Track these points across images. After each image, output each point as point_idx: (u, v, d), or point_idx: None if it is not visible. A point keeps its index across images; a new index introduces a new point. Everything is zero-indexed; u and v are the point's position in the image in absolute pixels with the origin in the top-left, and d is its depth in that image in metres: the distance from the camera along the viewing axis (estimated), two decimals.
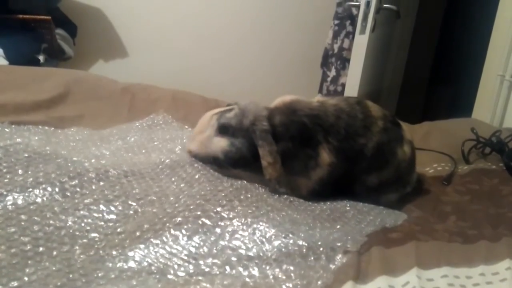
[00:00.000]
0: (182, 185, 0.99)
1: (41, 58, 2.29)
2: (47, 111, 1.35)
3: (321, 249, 0.84)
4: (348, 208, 1.05)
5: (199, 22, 2.96)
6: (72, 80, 1.57)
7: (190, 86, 1.61)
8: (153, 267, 0.76)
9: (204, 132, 1.06)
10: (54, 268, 0.73)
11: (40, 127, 1.24)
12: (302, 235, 0.86)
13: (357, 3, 2.29)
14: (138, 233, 0.82)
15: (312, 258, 0.82)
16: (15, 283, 0.68)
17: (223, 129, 1.04)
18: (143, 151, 1.16)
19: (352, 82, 2.23)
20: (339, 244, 0.86)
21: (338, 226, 0.96)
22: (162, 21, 2.91)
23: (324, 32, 2.77)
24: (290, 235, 0.86)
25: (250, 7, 3.01)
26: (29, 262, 0.74)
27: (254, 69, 3.09)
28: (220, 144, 1.04)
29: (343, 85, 2.51)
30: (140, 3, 2.87)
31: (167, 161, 1.07)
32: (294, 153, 1.04)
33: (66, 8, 2.62)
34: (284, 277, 0.76)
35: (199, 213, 0.87)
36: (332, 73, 2.64)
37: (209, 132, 1.05)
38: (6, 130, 1.15)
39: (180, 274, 0.75)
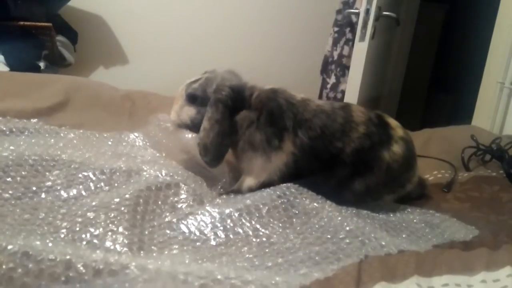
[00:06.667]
0: None
1: (41, 64, 2.29)
2: (47, 118, 1.35)
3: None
4: (415, 221, 1.05)
5: (199, 29, 2.97)
6: (72, 87, 1.57)
7: None
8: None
9: (177, 103, 1.14)
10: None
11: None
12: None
13: (357, 11, 2.30)
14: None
15: None
16: None
17: (191, 99, 1.12)
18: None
19: (352, 89, 2.23)
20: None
21: (404, 236, 0.96)
22: (162, 28, 2.92)
23: (323, 39, 2.78)
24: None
25: (250, 15, 3.02)
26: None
27: (254, 75, 3.08)
28: (189, 113, 1.13)
29: (343, 92, 2.52)
30: (141, 10, 2.88)
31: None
32: (259, 126, 1.08)
33: (67, 15, 2.63)
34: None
35: None
36: (332, 80, 2.65)
37: (180, 102, 1.13)
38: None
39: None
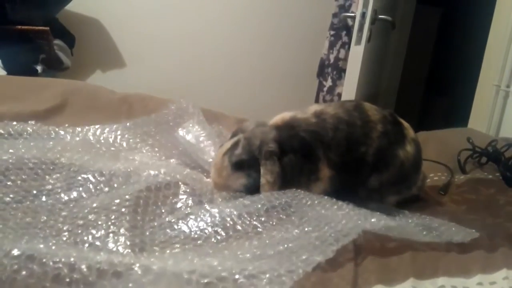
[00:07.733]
0: None
1: (39, 68, 2.29)
2: (45, 122, 1.35)
3: None
4: (413, 225, 1.05)
5: (196, 32, 2.97)
6: (69, 90, 1.57)
7: (187, 96, 1.61)
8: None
9: (221, 175, 1.09)
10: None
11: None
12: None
13: (353, 14, 2.31)
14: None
15: None
16: None
17: (238, 166, 1.06)
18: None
19: (348, 92, 2.24)
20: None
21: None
22: (159, 32, 2.92)
23: (320, 42, 2.79)
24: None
25: (247, 19, 3.02)
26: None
27: (251, 79, 3.10)
28: (239, 181, 1.07)
29: (339, 95, 2.53)
30: (138, 13, 2.88)
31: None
32: (299, 166, 1.06)
33: (64, 19, 2.63)
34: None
35: None
36: (328, 83, 2.66)
37: (225, 173, 1.08)
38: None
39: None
